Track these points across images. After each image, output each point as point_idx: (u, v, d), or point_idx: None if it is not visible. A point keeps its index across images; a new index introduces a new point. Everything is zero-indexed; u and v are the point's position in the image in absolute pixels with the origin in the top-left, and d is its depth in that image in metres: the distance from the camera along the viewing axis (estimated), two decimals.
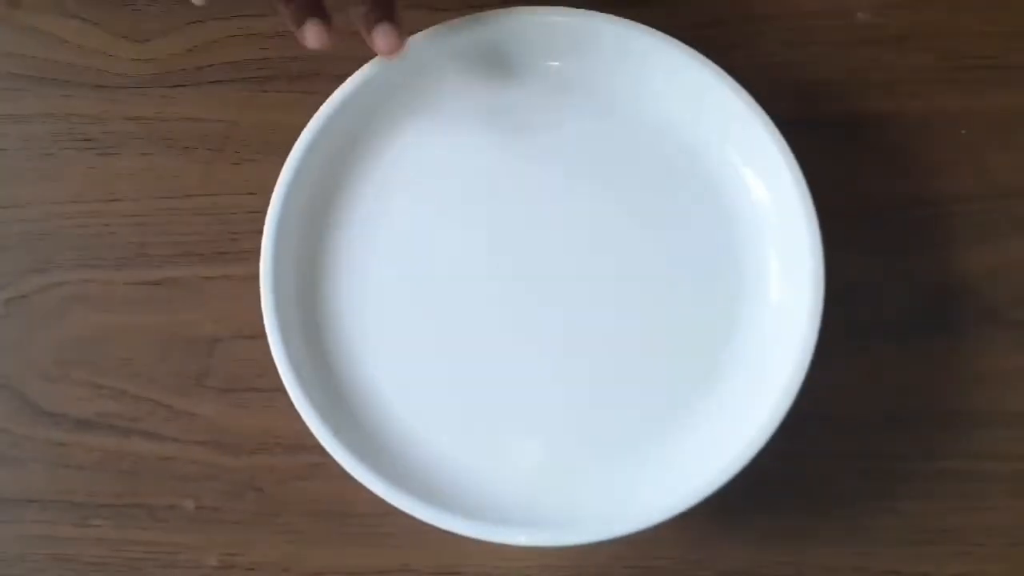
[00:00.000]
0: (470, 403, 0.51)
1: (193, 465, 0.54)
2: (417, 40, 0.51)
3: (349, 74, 0.53)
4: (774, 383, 0.47)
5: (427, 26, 0.51)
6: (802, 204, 0.48)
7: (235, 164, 0.56)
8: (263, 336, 0.54)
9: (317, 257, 0.52)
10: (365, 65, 0.51)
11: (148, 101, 0.57)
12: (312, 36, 0.48)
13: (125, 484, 0.54)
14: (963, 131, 0.55)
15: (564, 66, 0.52)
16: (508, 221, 0.52)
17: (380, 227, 0.52)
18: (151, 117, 0.57)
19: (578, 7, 0.51)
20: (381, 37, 0.49)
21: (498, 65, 0.52)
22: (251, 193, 0.56)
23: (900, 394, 0.53)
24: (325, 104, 0.51)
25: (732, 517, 0.53)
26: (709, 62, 0.50)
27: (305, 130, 0.50)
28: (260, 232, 0.55)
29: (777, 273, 0.50)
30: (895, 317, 0.54)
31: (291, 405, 0.53)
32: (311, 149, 0.50)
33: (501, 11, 0.51)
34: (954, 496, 0.53)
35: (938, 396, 0.53)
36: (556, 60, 0.52)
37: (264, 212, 0.55)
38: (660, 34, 0.50)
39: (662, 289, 0.51)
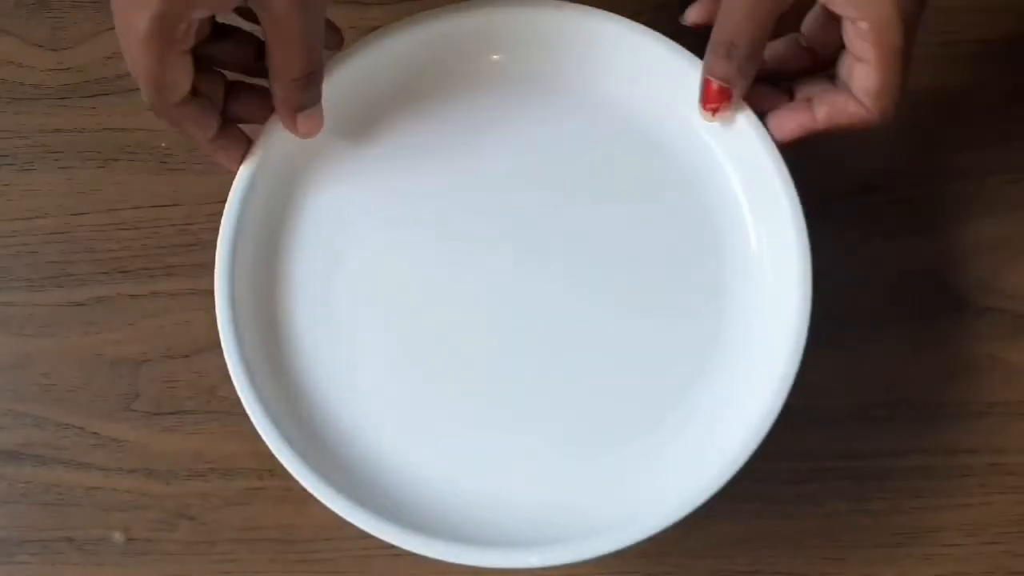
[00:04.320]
0: (441, 418, 0.48)
1: (122, 494, 0.52)
2: (359, 49, 0.49)
3: None
4: (767, 375, 0.46)
5: (359, 23, 0.50)
6: (780, 177, 0.47)
7: (158, 175, 0.54)
8: (192, 355, 0.53)
9: (273, 269, 0.49)
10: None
11: (67, 112, 0.55)
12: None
13: (52, 517, 0.52)
14: (912, 110, 0.53)
15: (508, 60, 0.50)
16: (473, 224, 0.49)
17: (340, 238, 0.49)
18: (70, 129, 0.55)
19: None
20: (305, 124, 0.46)
21: (443, 66, 0.50)
22: (177, 204, 0.54)
23: (867, 388, 0.52)
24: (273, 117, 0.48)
25: (697, 525, 0.49)
26: (669, 40, 0.48)
27: (254, 147, 0.48)
28: (188, 246, 0.54)
29: (758, 258, 0.49)
30: (860, 309, 0.53)
31: (224, 428, 0.52)
32: (262, 164, 0.48)
33: (434, 11, 0.49)
34: (927, 493, 0.51)
35: (907, 389, 0.52)
36: (498, 54, 0.50)
37: (192, 223, 0.54)
38: (607, 14, 0.48)
39: (644, 287, 0.49)
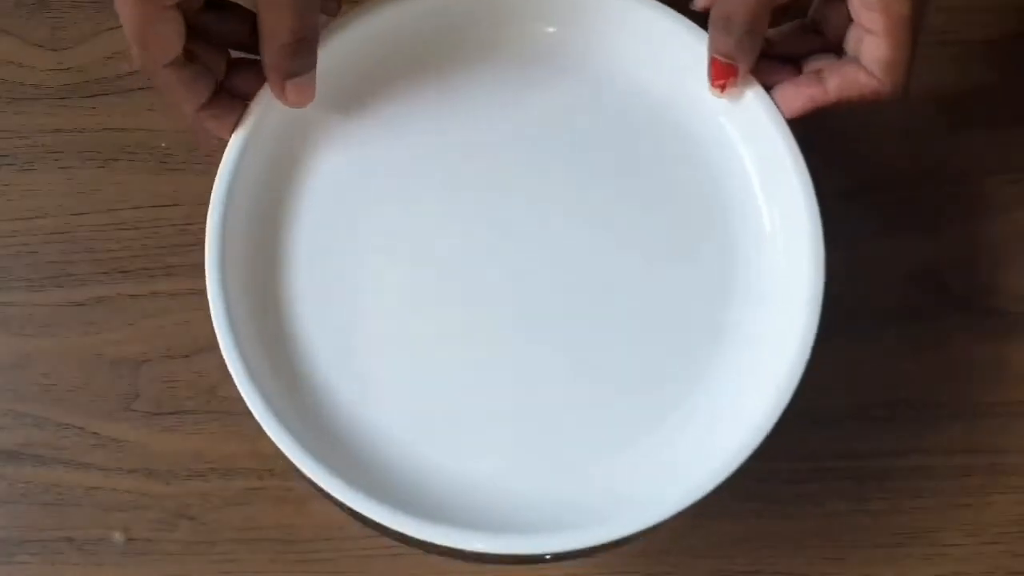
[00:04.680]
0: (442, 403, 0.47)
1: (122, 494, 0.52)
2: (356, 17, 0.47)
3: None
4: (773, 371, 0.45)
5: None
6: (791, 155, 0.46)
7: (158, 175, 0.54)
8: (192, 355, 0.53)
9: (267, 241, 0.47)
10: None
11: (67, 112, 0.55)
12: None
13: (52, 517, 0.52)
14: (912, 110, 0.53)
15: (515, 32, 0.49)
16: (479, 203, 0.48)
17: (338, 209, 0.48)
18: (70, 129, 0.55)
19: None
20: (294, 92, 0.45)
21: (445, 36, 0.49)
22: (177, 204, 0.54)
23: (867, 388, 0.52)
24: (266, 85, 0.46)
25: (697, 525, 0.51)
26: (681, 16, 0.47)
27: (246, 115, 0.46)
28: (188, 246, 0.54)
29: (771, 240, 0.48)
30: (860, 308, 0.53)
31: (224, 428, 0.52)
32: (255, 133, 0.46)
33: None
34: (927, 493, 0.51)
35: (907, 389, 0.52)
36: (506, 25, 0.49)
37: (192, 223, 0.54)
38: None
39: (650, 272, 0.47)
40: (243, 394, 0.44)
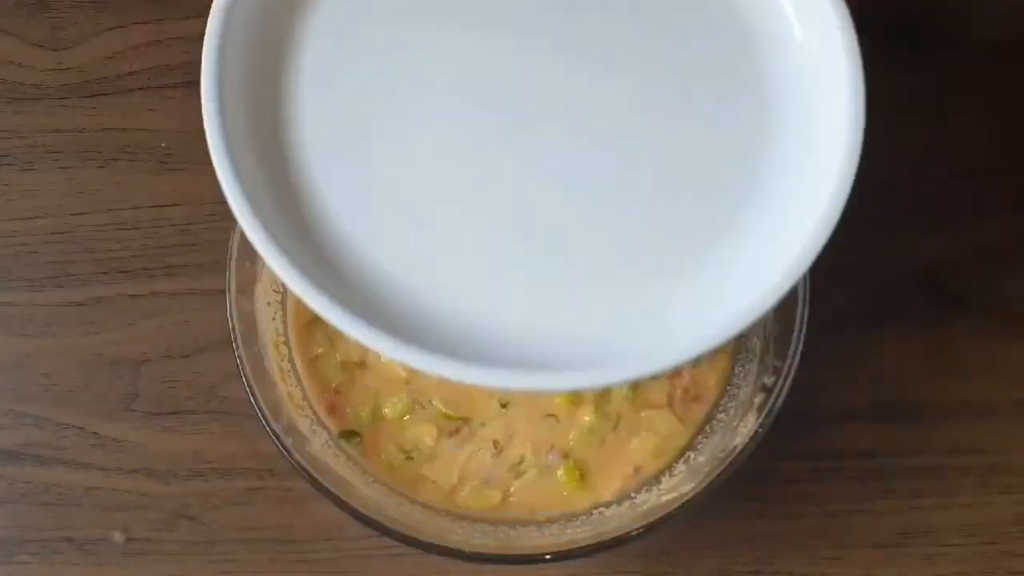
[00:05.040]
0: (456, 226, 0.41)
1: (122, 494, 0.52)
2: None
3: None
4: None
5: None
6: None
7: (158, 175, 0.54)
8: (192, 355, 0.53)
9: (274, 58, 0.42)
10: None
11: (67, 112, 0.55)
12: None
13: (52, 517, 0.52)
14: (912, 109, 0.53)
15: None
16: (512, 26, 0.43)
17: (353, 29, 0.42)
18: (70, 129, 0.55)
19: None
20: None
21: None
22: (176, 204, 0.54)
23: (867, 388, 0.52)
24: None
25: (697, 525, 0.51)
26: None
27: None
28: (188, 246, 0.54)
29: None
30: (860, 308, 0.52)
31: (224, 428, 0.52)
32: None
33: None
34: (928, 493, 0.51)
35: (907, 388, 0.52)
36: None
37: (192, 223, 0.54)
38: None
39: (682, 105, 0.42)
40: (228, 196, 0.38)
